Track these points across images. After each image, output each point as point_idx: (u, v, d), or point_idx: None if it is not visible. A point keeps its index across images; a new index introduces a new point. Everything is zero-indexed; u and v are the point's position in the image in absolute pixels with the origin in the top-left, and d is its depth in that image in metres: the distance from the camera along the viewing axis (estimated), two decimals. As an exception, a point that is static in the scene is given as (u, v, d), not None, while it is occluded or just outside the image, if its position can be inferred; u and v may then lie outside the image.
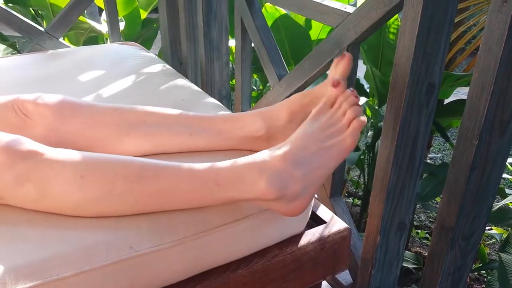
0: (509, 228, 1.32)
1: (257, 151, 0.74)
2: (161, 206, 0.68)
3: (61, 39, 1.72)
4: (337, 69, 0.75)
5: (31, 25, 1.65)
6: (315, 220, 0.87)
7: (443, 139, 1.93)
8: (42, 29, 1.67)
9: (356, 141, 0.68)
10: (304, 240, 0.80)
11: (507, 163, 1.83)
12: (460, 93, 2.23)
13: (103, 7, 1.83)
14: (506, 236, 1.32)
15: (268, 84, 2.22)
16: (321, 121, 0.69)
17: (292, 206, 0.69)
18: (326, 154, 0.68)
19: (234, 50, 1.81)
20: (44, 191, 0.64)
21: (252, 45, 1.38)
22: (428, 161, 1.81)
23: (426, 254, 1.15)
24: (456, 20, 1.54)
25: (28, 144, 0.65)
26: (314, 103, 0.78)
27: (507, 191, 1.56)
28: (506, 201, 1.40)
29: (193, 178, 0.66)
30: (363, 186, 2.01)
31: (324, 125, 0.69)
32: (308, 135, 0.68)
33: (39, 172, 0.63)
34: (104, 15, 2.26)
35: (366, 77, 1.77)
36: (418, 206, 2.14)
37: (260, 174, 0.66)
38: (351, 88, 0.71)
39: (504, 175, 1.85)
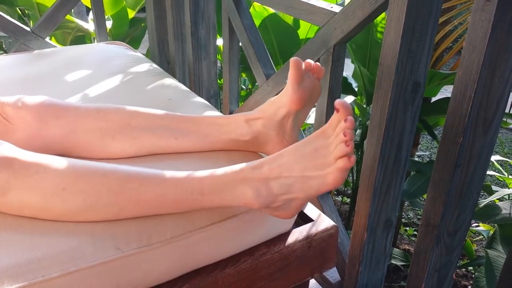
0: (496, 225, 1.33)
1: (243, 151, 0.73)
2: (146, 213, 0.68)
3: (47, 39, 1.71)
4: (289, 76, 0.75)
5: (17, 25, 1.63)
6: (303, 218, 0.87)
7: (431, 137, 1.94)
8: (28, 29, 1.65)
9: (338, 181, 0.63)
10: (291, 238, 0.80)
11: (493, 160, 1.85)
12: (447, 91, 2.24)
13: (90, 6, 1.82)
14: (492, 232, 1.34)
15: (257, 84, 2.22)
16: (316, 146, 0.64)
17: (278, 213, 0.69)
18: (307, 183, 0.65)
19: (222, 49, 1.81)
20: (26, 202, 0.63)
21: (240, 44, 1.38)
22: (416, 159, 1.83)
23: (414, 251, 1.16)
24: (443, 19, 1.55)
25: (8, 151, 0.63)
26: (280, 112, 0.79)
27: (494, 188, 1.57)
28: (492, 198, 1.42)
29: (177, 188, 0.66)
30: (352, 184, 2.02)
31: (316, 152, 0.64)
32: (297, 158, 0.65)
33: (20, 182, 0.62)
34: (91, 15, 2.24)
35: (354, 76, 1.77)
36: (406, 203, 2.15)
37: (245, 186, 0.66)
38: (350, 117, 0.61)
39: (491, 172, 1.87)
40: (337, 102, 0.62)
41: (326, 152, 0.63)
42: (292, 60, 0.73)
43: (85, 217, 0.65)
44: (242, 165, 0.68)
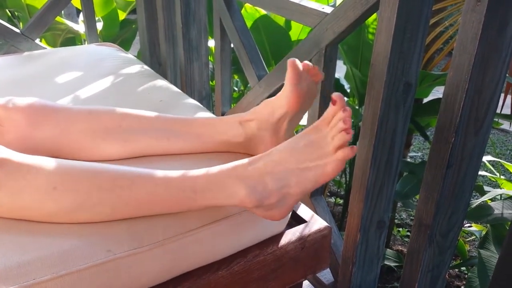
0: (488, 225, 1.34)
1: (235, 153, 0.73)
2: (138, 213, 0.67)
3: (37, 41, 1.70)
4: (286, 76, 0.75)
5: (6, 26, 1.62)
6: (296, 219, 0.87)
7: (423, 138, 1.95)
8: (17, 30, 1.64)
9: (337, 170, 0.64)
10: (284, 240, 0.80)
11: (484, 161, 1.86)
12: (438, 92, 2.26)
13: (80, 7, 1.80)
14: (485, 233, 1.34)
15: (249, 85, 2.22)
16: (310, 139, 0.66)
17: (270, 213, 0.69)
18: (304, 175, 0.65)
19: (213, 51, 1.81)
20: (17, 201, 0.62)
21: (232, 45, 1.38)
22: (408, 160, 1.83)
23: (406, 251, 1.16)
24: (434, 20, 1.55)
25: (1, 152, 0.62)
26: (277, 113, 0.78)
27: (486, 188, 1.58)
28: (484, 198, 1.42)
29: (169, 186, 0.66)
30: (345, 185, 2.02)
31: (311, 145, 0.65)
32: (291, 151, 0.66)
33: (11, 182, 0.61)
34: (82, 16, 2.23)
35: (346, 77, 1.78)
36: (399, 204, 2.16)
37: (239, 183, 0.65)
38: (348, 107, 0.64)
39: (483, 173, 1.88)
40: (334, 94, 0.64)
41: (322, 143, 0.64)
42: (289, 60, 0.73)
43: (76, 217, 0.64)
44: (236, 162, 0.68)
